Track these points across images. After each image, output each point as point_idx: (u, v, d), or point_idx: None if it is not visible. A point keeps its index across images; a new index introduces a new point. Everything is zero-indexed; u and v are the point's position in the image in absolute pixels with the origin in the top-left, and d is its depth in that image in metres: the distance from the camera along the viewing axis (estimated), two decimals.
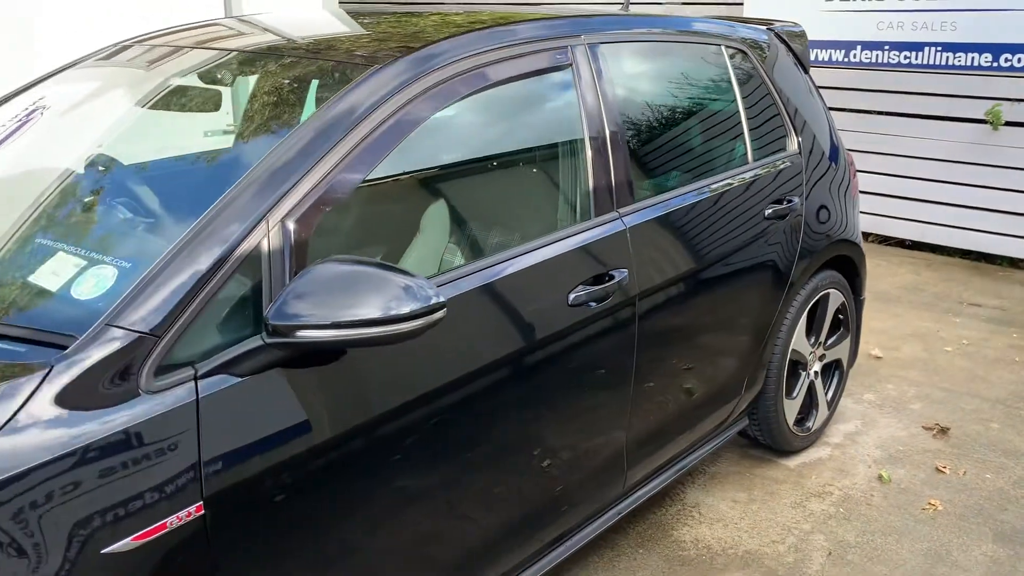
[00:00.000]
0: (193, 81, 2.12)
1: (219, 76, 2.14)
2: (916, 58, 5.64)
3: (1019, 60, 5.26)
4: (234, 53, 2.20)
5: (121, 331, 1.44)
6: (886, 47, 5.73)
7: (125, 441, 1.39)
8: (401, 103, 1.85)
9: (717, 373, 2.75)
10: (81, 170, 1.98)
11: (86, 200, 1.91)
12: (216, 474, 1.48)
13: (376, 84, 1.85)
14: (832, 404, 3.44)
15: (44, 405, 1.36)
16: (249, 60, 2.19)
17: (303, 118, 1.88)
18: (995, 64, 5.34)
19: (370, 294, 1.54)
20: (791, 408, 3.19)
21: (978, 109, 5.47)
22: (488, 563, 2.09)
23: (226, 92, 2.25)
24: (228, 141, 2.09)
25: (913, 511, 2.94)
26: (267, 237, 1.60)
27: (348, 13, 2.69)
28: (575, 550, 2.35)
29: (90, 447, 1.36)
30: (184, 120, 2.05)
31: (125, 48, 2.36)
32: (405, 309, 1.54)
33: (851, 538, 2.79)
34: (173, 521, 1.42)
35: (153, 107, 2.07)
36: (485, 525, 2.04)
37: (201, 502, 1.46)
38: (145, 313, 1.46)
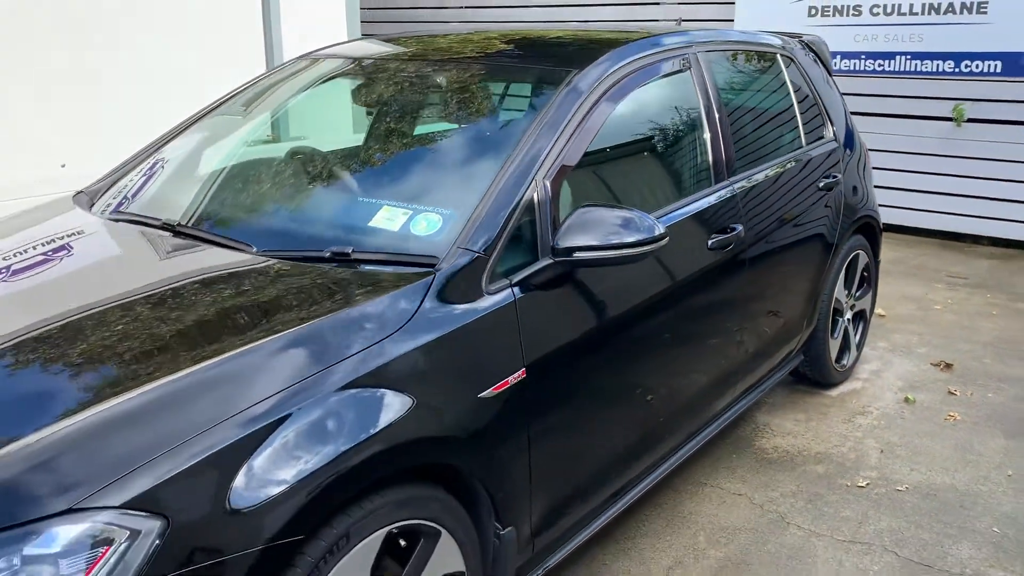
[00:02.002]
0: (430, 81, 2.77)
1: (438, 80, 2.79)
2: (889, 65, 6.51)
3: (977, 66, 6.15)
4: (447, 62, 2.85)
5: (468, 252, 2.08)
6: (862, 56, 6.59)
7: (482, 323, 2.03)
8: (597, 96, 2.52)
9: (789, 312, 3.47)
10: (377, 146, 2.61)
11: (390, 167, 2.55)
12: (530, 350, 2.12)
13: (581, 83, 2.52)
14: (860, 347, 4.19)
15: (433, 299, 1.99)
16: (457, 66, 2.84)
17: (512, 111, 2.54)
18: (957, 69, 6.23)
19: (620, 227, 2.20)
20: (833, 347, 3.93)
21: (944, 108, 6.35)
22: (690, 415, 2.84)
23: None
24: (438, 128, 2.72)
25: (937, 421, 3.70)
26: (536, 190, 2.25)
27: (483, 33, 3.34)
28: (696, 449, 3.02)
29: (466, 327, 2.00)
30: (432, 111, 2.69)
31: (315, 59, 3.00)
32: (644, 236, 2.21)
33: (895, 440, 3.53)
34: (511, 379, 2.07)
35: (409, 100, 2.73)
36: (688, 387, 2.78)
37: (524, 368, 2.10)
38: (478, 240, 2.10)
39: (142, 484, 1.50)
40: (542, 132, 2.35)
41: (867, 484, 3.19)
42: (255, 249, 2.24)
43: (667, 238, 2.26)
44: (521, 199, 2.20)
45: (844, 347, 4.06)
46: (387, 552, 1.85)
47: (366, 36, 3.32)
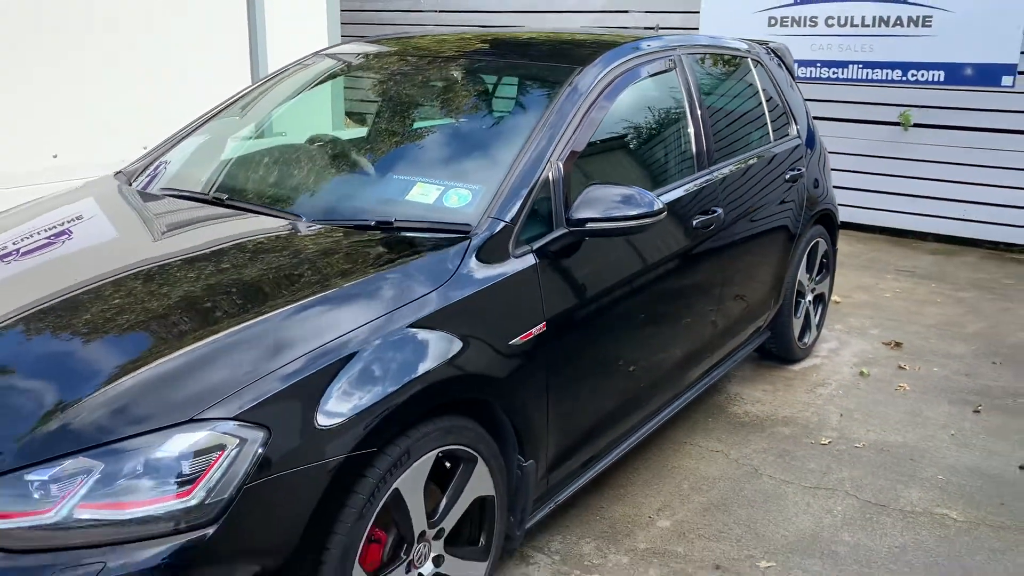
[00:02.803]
0: (445, 76, 3.09)
1: (455, 73, 3.10)
2: (842, 73, 6.98)
3: (923, 75, 6.65)
4: (458, 57, 3.17)
5: (498, 221, 2.40)
6: (818, 64, 7.04)
7: (510, 281, 2.35)
8: (599, 91, 2.86)
9: (760, 289, 3.84)
10: (407, 131, 2.92)
11: (421, 149, 2.86)
12: (548, 306, 2.45)
13: (585, 79, 2.86)
14: (819, 326, 4.60)
15: (471, 260, 2.30)
16: (472, 62, 3.16)
17: (525, 101, 2.87)
18: (904, 78, 6.72)
19: (623, 203, 2.53)
20: (796, 325, 4.32)
21: (892, 114, 6.84)
22: (675, 378, 3.21)
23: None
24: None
25: (889, 391, 4.11)
26: (551, 170, 2.58)
27: (491, 34, 3.66)
28: (677, 412, 3.37)
29: (498, 284, 2.32)
30: (454, 101, 3.00)
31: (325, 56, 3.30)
32: (645, 210, 2.54)
33: (853, 406, 3.92)
34: (535, 331, 2.39)
35: (428, 90, 3.04)
36: (677, 350, 3.17)
37: (544, 322, 2.43)
38: (505, 211, 2.42)
39: (248, 401, 1.80)
40: (553, 121, 2.69)
41: (829, 442, 3.57)
42: (304, 219, 2.53)
43: (665, 212, 2.61)
44: (539, 177, 2.53)
45: (806, 326, 4.46)
46: (432, 478, 2.15)
47: (376, 37, 3.62)
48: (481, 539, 2.36)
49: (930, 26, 6.55)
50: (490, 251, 2.36)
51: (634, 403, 3.00)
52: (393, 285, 2.15)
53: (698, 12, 7.47)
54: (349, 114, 4.50)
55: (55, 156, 5.93)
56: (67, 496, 1.69)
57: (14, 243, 2.56)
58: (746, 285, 3.71)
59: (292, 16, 7.28)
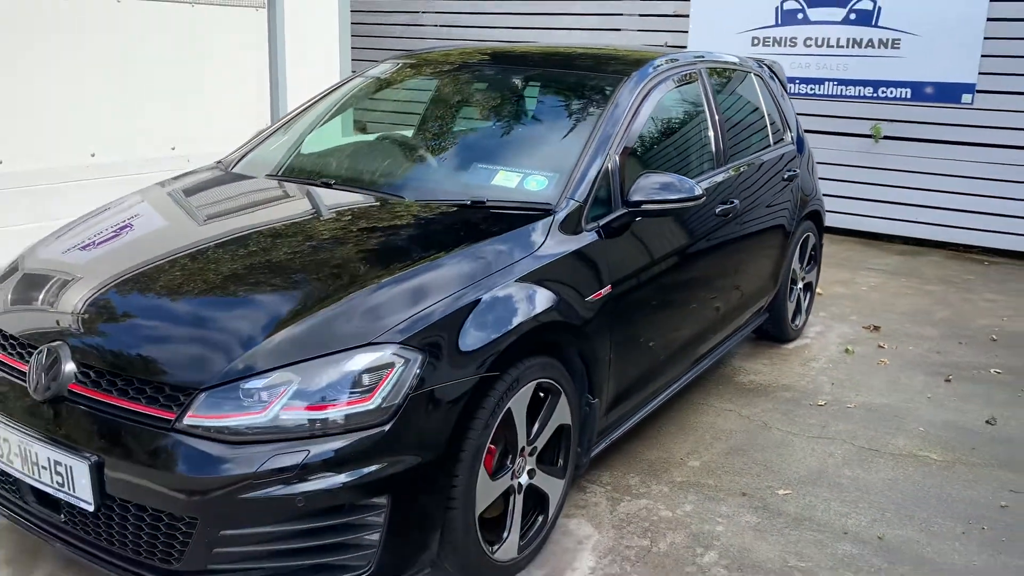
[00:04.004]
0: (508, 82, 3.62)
1: (515, 81, 3.64)
2: (819, 90, 7.64)
3: (892, 92, 7.33)
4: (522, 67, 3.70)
5: (573, 201, 2.93)
6: (797, 81, 7.69)
7: (584, 250, 2.88)
8: (642, 97, 3.41)
9: (764, 273, 4.41)
10: (484, 129, 3.44)
11: (496, 144, 3.38)
12: (611, 273, 2.98)
13: (630, 87, 3.40)
14: (808, 311, 5.19)
15: (556, 232, 2.83)
16: (535, 70, 3.70)
17: (583, 105, 3.42)
18: (876, 94, 7.40)
19: (670, 188, 3.07)
20: (790, 308, 4.90)
21: (864, 127, 7.50)
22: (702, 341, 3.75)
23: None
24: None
25: (872, 365, 4.70)
26: (609, 161, 3.11)
27: (528, 48, 4.20)
28: (694, 379, 3.91)
29: (576, 252, 2.84)
30: (523, 103, 3.54)
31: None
32: (688, 194, 3.08)
33: (842, 377, 4.51)
34: (604, 291, 2.92)
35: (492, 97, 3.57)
36: (706, 320, 3.70)
37: (610, 284, 2.95)
38: (578, 193, 2.95)
39: (410, 331, 2.30)
40: (609, 121, 3.23)
41: (825, 404, 4.14)
42: (407, 199, 3.04)
43: (704, 197, 3.15)
44: (602, 167, 3.07)
45: (797, 310, 5.04)
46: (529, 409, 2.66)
47: (439, 49, 4.15)
48: (560, 460, 2.87)
49: (899, 48, 7.24)
50: (568, 225, 2.88)
51: (669, 361, 3.53)
52: (501, 249, 2.67)
53: (687, 32, 8.09)
54: (357, 123, 5.01)
55: (93, 155, 6.37)
56: (274, 401, 2.18)
57: (198, 208, 3.06)
58: (754, 268, 4.27)
59: (308, 37, 7.79)
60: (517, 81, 3.67)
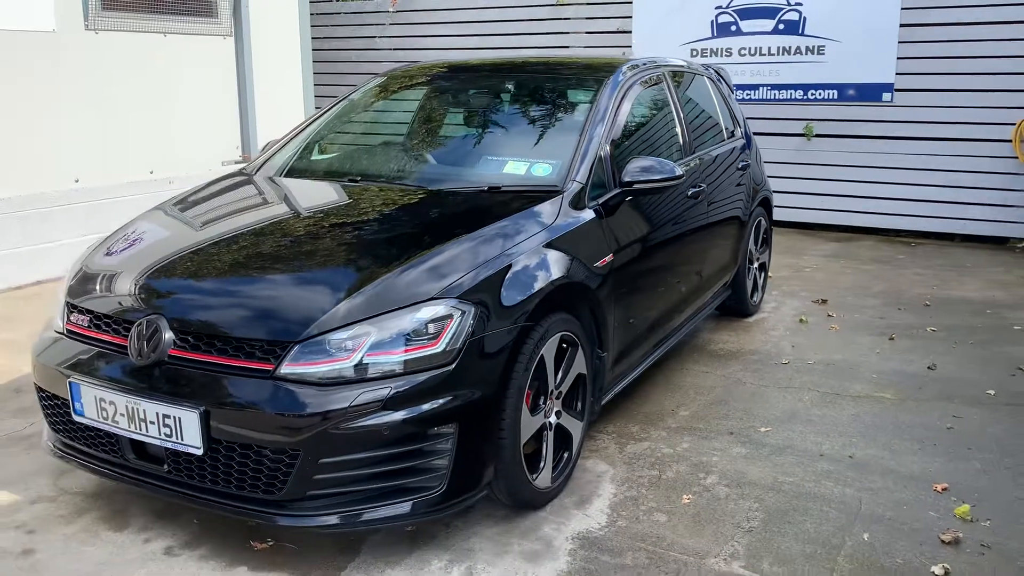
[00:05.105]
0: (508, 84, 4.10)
1: (508, 85, 4.12)
2: (754, 95, 8.31)
3: (820, 94, 8.03)
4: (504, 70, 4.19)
5: (577, 182, 3.41)
6: (734, 88, 8.32)
7: (588, 224, 3.35)
8: (621, 94, 3.93)
9: (727, 252, 4.95)
10: (488, 127, 3.90)
11: (505, 139, 3.84)
12: (612, 243, 3.46)
13: (611, 85, 3.91)
14: (763, 288, 5.76)
15: (566, 208, 3.30)
16: (511, 74, 4.18)
17: (571, 103, 3.92)
18: (806, 97, 8.09)
19: (657, 169, 3.58)
20: (748, 285, 5.46)
21: (797, 127, 8.19)
22: (682, 310, 4.23)
23: None
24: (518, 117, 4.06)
25: (824, 331, 5.28)
26: (601, 149, 3.61)
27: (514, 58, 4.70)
28: (671, 348, 4.41)
29: (583, 224, 3.31)
30: (521, 104, 4.01)
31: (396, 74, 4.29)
32: (672, 175, 3.59)
33: (800, 341, 5.07)
34: (608, 258, 3.39)
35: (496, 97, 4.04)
36: (683, 290, 4.19)
37: (611, 254, 3.43)
38: (579, 176, 3.43)
39: (464, 287, 2.74)
40: (597, 115, 3.73)
41: (788, 362, 4.69)
42: (427, 187, 3.48)
43: (684, 176, 3.67)
44: (596, 153, 3.56)
45: (755, 287, 5.60)
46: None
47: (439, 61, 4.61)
48: (578, 405, 3.32)
49: (824, 54, 7.96)
50: (574, 202, 3.36)
51: (657, 323, 4.02)
52: (524, 222, 3.13)
53: (630, 46, 8.70)
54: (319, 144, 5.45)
55: (77, 180, 6.64)
56: (357, 349, 2.59)
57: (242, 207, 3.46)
58: (720, 247, 4.81)
59: (273, 62, 8.20)
60: (510, 85, 4.15)
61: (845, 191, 8.15)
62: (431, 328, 2.66)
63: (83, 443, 2.95)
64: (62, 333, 3.03)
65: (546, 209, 3.25)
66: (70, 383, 2.83)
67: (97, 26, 6.75)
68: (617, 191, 3.56)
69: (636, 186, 3.55)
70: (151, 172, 7.28)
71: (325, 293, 2.71)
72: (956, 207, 7.76)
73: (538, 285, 2.96)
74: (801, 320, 5.47)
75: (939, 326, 5.31)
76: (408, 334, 2.63)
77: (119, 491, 3.20)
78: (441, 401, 2.63)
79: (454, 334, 2.67)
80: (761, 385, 4.35)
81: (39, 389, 3.08)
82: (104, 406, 2.76)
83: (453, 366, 2.65)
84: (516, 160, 3.59)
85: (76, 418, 2.86)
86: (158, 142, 7.25)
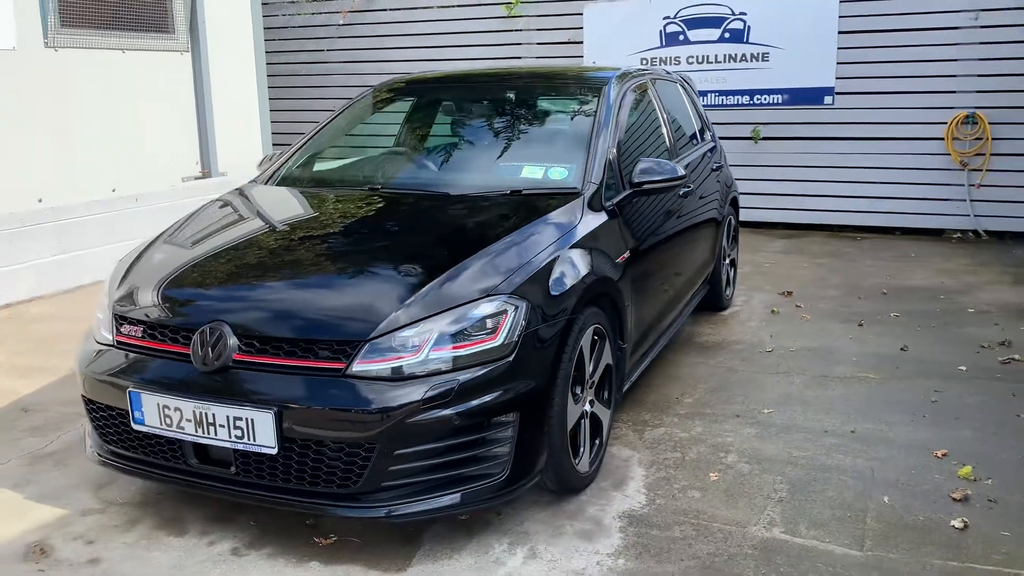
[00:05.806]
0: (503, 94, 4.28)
1: (509, 95, 4.29)
2: (704, 101, 8.65)
3: (766, 99, 8.44)
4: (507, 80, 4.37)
5: (593, 184, 3.61)
6: None
7: (607, 223, 3.56)
8: (620, 100, 4.15)
9: (707, 249, 5.23)
10: (502, 135, 4.06)
11: (520, 146, 4.01)
12: (628, 241, 3.67)
13: (611, 92, 4.14)
14: (734, 283, 6.07)
15: (586, 209, 3.50)
16: (512, 82, 4.37)
17: (576, 110, 4.14)
18: (753, 101, 8.49)
19: (662, 170, 3.81)
20: (724, 279, 5.75)
21: (745, 131, 8.58)
22: (677, 303, 4.45)
23: None
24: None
25: (796, 320, 5.60)
26: (611, 153, 3.82)
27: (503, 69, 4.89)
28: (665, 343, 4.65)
29: (603, 224, 3.52)
30: (529, 112, 4.19)
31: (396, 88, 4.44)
32: (676, 175, 3.82)
33: (777, 330, 5.37)
34: (625, 255, 3.60)
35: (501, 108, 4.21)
36: (678, 285, 4.40)
37: (628, 251, 3.64)
38: (595, 178, 3.64)
39: (515, 284, 2.91)
40: (602, 121, 3.94)
41: (772, 350, 4.98)
42: (452, 193, 3.64)
43: (686, 176, 3.91)
44: (607, 157, 3.77)
45: (728, 282, 5.90)
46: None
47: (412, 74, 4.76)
48: (605, 395, 3.51)
49: (768, 61, 8.37)
50: (593, 203, 3.56)
51: (662, 315, 4.25)
52: (556, 223, 3.32)
53: (582, 56, 8.98)
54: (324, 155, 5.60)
55: (40, 200, 6.54)
56: (424, 345, 2.73)
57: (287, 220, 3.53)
58: (702, 243, 5.08)
59: (230, 76, 8.21)
60: (512, 95, 4.34)
61: (793, 190, 8.57)
62: (489, 323, 2.81)
63: (139, 451, 3.00)
64: (111, 345, 3.08)
65: (573, 210, 3.45)
66: (130, 393, 2.88)
67: (57, 43, 6.67)
68: (628, 191, 3.78)
69: (646, 186, 3.77)
70: (113, 190, 7.20)
71: (389, 294, 2.84)
72: (896, 202, 8.26)
73: (578, 280, 3.14)
74: (773, 311, 5.79)
75: (901, 312, 5.69)
76: (467, 329, 2.78)
77: (166, 499, 3.25)
78: (502, 391, 2.79)
79: (511, 328, 2.83)
80: (753, 372, 4.62)
81: (88, 401, 3.12)
82: (168, 413, 2.83)
83: (511, 358, 2.81)
84: (532, 164, 3.78)
85: (135, 427, 2.91)
86: (119, 159, 7.19)
